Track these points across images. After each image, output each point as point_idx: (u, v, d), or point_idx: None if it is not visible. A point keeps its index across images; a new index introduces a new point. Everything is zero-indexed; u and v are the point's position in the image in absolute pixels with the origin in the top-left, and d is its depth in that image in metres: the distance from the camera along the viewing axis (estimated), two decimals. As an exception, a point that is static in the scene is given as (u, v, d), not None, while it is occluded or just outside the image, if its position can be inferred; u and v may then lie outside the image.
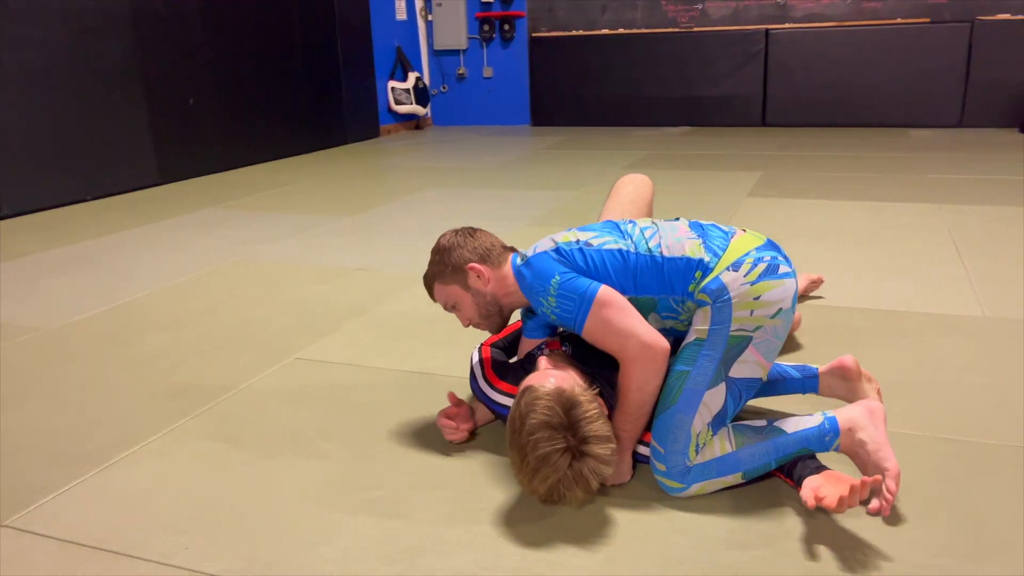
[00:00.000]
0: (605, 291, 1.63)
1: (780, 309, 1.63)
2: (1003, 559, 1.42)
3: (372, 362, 2.39)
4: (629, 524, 1.56)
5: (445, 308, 1.88)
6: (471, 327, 1.91)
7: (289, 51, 6.68)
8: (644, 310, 1.70)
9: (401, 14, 8.17)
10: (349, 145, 7.40)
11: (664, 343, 1.62)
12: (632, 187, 2.28)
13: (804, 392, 1.90)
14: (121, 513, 1.65)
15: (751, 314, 1.61)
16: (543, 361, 1.71)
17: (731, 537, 1.51)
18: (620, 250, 1.70)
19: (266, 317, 2.82)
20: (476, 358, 1.94)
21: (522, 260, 1.77)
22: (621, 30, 7.82)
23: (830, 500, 1.46)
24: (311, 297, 3.02)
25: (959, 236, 3.52)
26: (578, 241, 1.73)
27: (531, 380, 1.63)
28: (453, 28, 8.30)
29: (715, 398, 1.62)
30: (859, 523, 1.53)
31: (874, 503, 1.53)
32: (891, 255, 3.29)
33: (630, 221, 1.80)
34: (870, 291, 2.86)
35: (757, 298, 1.62)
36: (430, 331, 2.62)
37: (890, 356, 2.27)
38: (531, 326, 1.92)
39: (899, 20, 6.99)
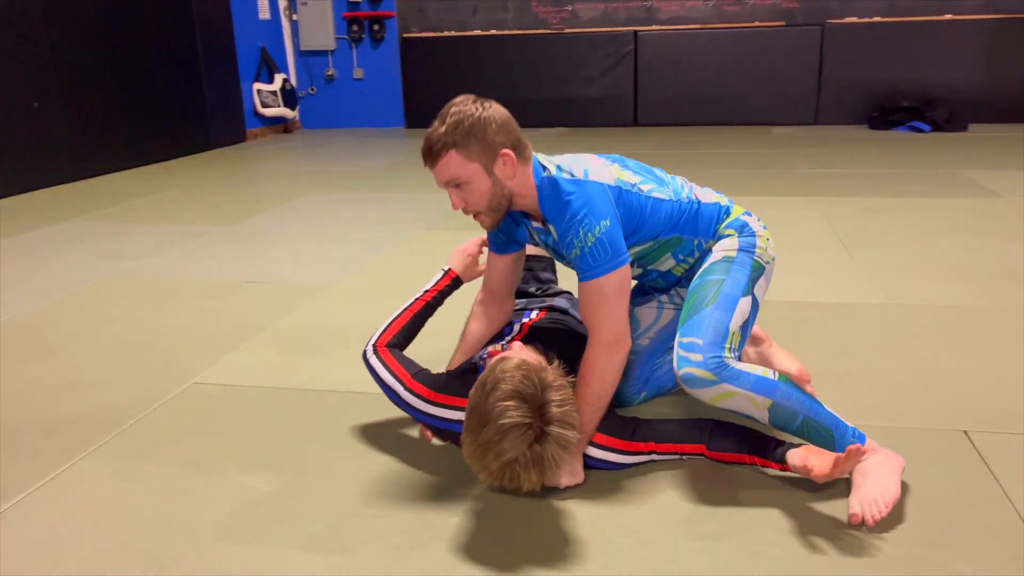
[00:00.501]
0: (627, 268, 1.63)
1: (773, 257, 1.82)
2: (967, 544, 1.45)
3: (280, 382, 2.22)
4: (594, 543, 1.49)
5: (444, 184, 1.63)
6: (461, 212, 1.67)
7: (144, 51, 6.24)
8: (668, 248, 1.78)
9: (264, 13, 7.82)
10: (215, 150, 7.00)
11: (630, 344, 1.65)
12: None
13: None
14: (14, 572, 1.43)
15: (766, 249, 1.79)
16: (517, 345, 1.63)
17: (696, 530, 1.47)
18: (665, 200, 1.75)
19: (154, 339, 2.57)
20: (387, 374, 1.79)
21: (549, 173, 1.66)
22: (493, 31, 7.80)
23: (820, 469, 1.47)
24: (201, 315, 2.79)
25: (839, 227, 3.69)
26: (633, 184, 1.71)
27: (508, 353, 1.55)
28: (320, 28, 8.02)
29: (746, 306, 1.69)
30: (821, 517, 1.53)
31: (855, 509, 1.49)
32: (781, 249, 3.40)
33: (658, 168, 1.85)
34: (771, 285, 2.93)
35: (768, 239, 1.82)
36: (338, 345, 2.47)
37: (806, 348, 2.32)
38: (501, 241, 1.84)
39: (757, 23, 7.33)
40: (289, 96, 7.91)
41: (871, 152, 5.77)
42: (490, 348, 1.79)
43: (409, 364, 1.81)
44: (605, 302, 1.60)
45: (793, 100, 7.33)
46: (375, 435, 1.90)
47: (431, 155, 1.62)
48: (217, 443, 1.88)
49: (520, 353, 1.56)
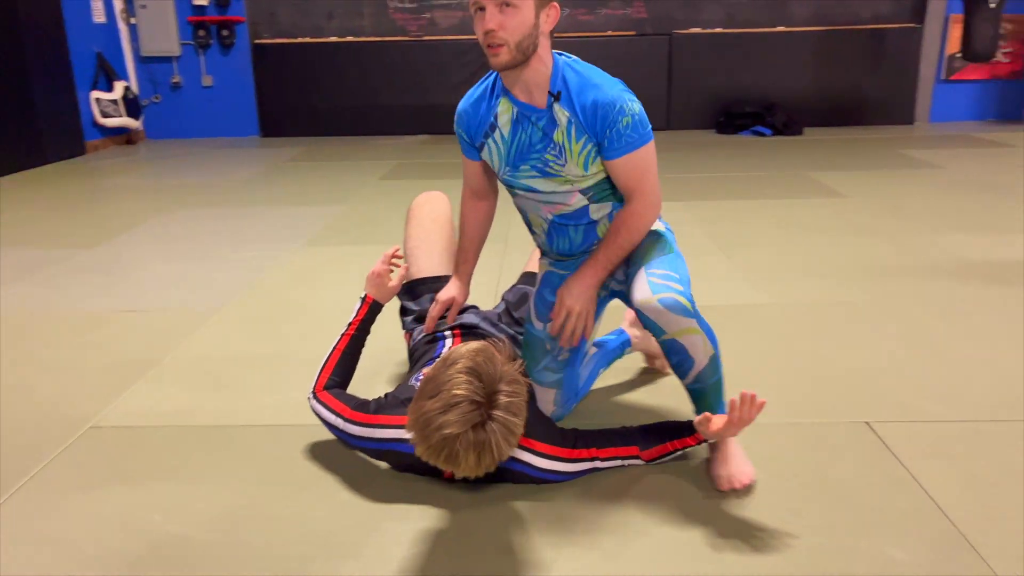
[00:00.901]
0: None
1: None
2: (891, 530, 1.58)
3: (192, 419, 2.09)
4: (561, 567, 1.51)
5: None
6: (489, 39, 1.61)
7: (-34, 58, 5.66)
8: (614, 196, 1.81)
9: (99, 16, 7.29)
10: (51, 165, 6.46)
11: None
12: (429, 206, 2.27)
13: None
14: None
15: None
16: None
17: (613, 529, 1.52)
18: None
19: (33, 381, 2.35)
20: (329, 413, 1.78)
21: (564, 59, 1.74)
22: (350, 38, 7.65)
23: (722, 425, 1.60)
24: (82, 350, 2.57)
25: (712, 230, 3.90)
26: None
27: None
28: (162, 32, 7.58)
29: None
30: (741, 505, 1.62)
31: (723, 477, 1.72)
32: (665, 252, 3.55)
33: None
34: (664, 288, 3.05)
35: None
36: (248, 375, 2.35)
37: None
38: (466, 145, 1.89)
39: (610, 32, 7.60)
40: (131, 105, 7.42)
41: (723, 156, 6.13)
42: (424, 370, 1.78)
43: (348, 399, 1.78)
44: (648, 168, 1.73)
45: (647, 106, 7.56)
46: (309, 469, 1.83)
47: None
48: (132, 495, 1.75)
49: (497, 344, 1.55)
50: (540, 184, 1.79)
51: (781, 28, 7.50)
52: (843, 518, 1.61)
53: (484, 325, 2.07)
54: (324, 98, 7.70)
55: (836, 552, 1.51)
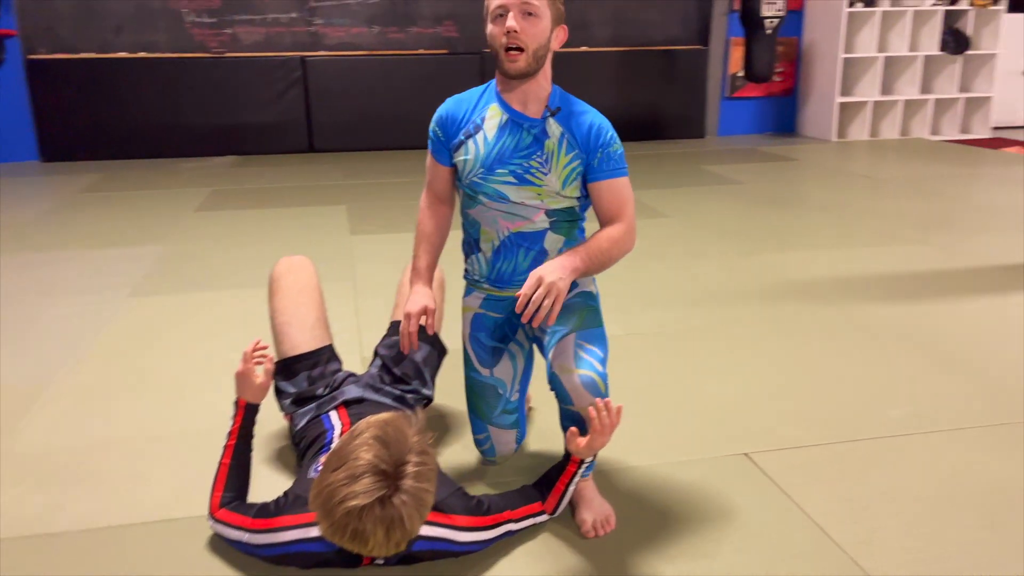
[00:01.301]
0: None
1: None
2: (789, 558, 1.70)
3: (55, 526, 1.85)
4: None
5: (523, 5, 1.67)
6: (510, 40, 1.67)
7: None
8: (572, 229, 1.87)
9: None
10: None
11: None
12: (293, 275, 2.15)
13: None
14: None
15: None
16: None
17: None
18: None
19: None
20: (230, 530, 1.67)
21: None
22: (143, 53, 7.10)
23: (588, 441, 1.67)
24: None
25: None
26: None
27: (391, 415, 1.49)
28: (-89, 46, 6.63)
29: None
30: (630, 550, 1.69)
31: (588, 522, 1.80)
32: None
33: None
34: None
35: None
36: (109, 464, 2.12)
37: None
38: (442, 151, 1.88)
39: (421, 51, 7.60)
40: None
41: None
42: (321, 458, 1.70)
43: (247, 508, 1.67)
44: (630, 198, 1.81)
45: (461, 124, 7.73)
46: (212, 569, 1.68)
47: None
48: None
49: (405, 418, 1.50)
50: (512, 192, 1.79)
51: (584, 48, 7.85)
52: (742, 551, 1.72)
53: (369, 395, 1.99)
54: (117, 118, 7.08)
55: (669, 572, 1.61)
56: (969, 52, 7.79)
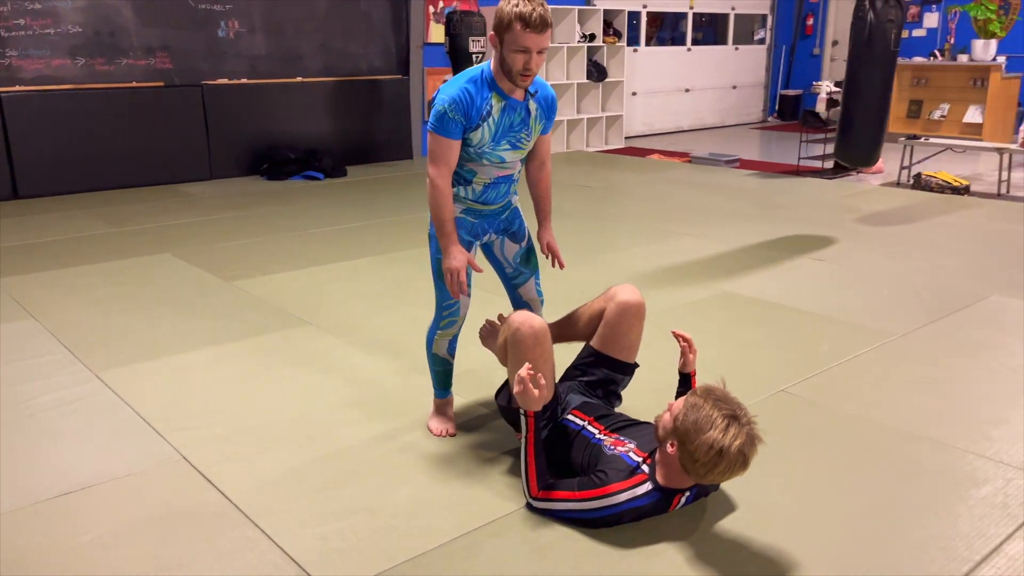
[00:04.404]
0: None
1: None
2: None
3: None
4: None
5: (539, 49, 2.30)
6: (527, 72, 2.34)
7: None
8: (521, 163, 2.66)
9: None
10: None
11: None
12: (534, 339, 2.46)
13: None
14: None
15: None
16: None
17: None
18: None
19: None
20: (560, 504, 2.22)
21: None
22: None
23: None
24: None
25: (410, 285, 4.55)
26: None
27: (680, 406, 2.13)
28: None
29: None
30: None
31: None
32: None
33: None
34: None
35: None
36: None
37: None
38: (459, 127, 2.42)
39: (135, 83, 7.21)
40: None
41: (319, 204, 6.60)
42: (608, 440, 2.30)
43: (564, 485, 2.25)
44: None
45: (188, 157, 7.53)
46: (539, 549, 2.13)
47: (546, 25, 2.30)
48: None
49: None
50: (508, 155, 2.51)
51: (300, 79, 8.14)
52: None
53: (588, 399, 2.54)
54: None
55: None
56: (606, 80, 9.74)
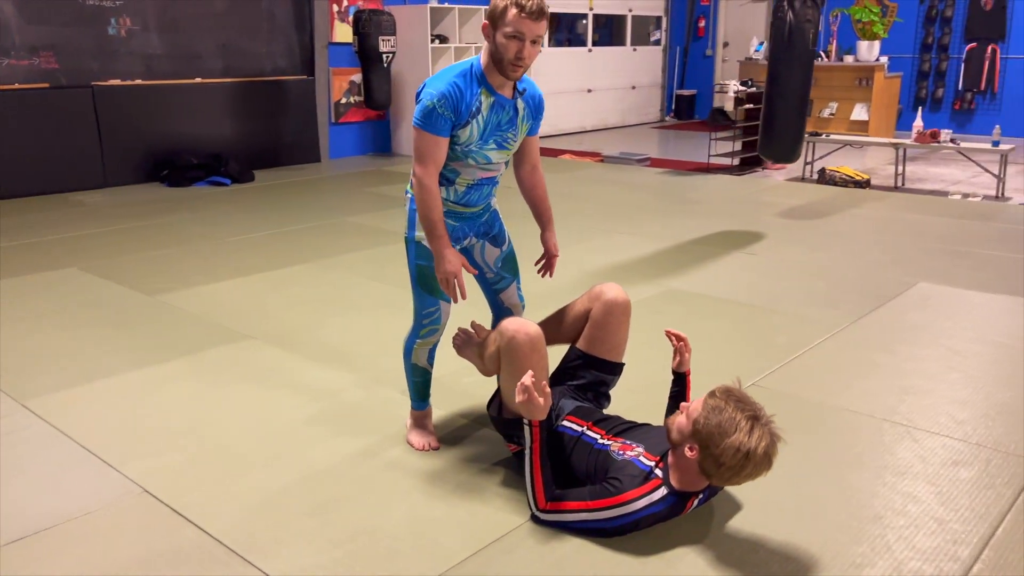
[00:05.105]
0: None
1: None
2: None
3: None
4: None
5: (535, 36, 2.20)
6: (519, 61, 2.23)
7: None
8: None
9: None
10: None
11: None
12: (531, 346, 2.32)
13: None
14: None
15: None
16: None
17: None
18: None
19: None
20: (571, 515, 2.13)
21: None
22: None
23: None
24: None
25: (349, 292, 4.39)
26: None
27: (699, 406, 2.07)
28: None
29: None
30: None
31: None
32: (331, 314, 3.95)
33: None
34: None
35: None
36: None
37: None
38: (448, 123, 2.31)
39: (17, 85, 6.65)
40: None
41: (230, 211, 6.27)
42: (614, 445, 2.23)
43: (575, 495, 2.17)
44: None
45: (79, 164, 7.01)
46: None
47: (542, 13, 2.22)
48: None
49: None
50: (494, 155, 2.41)
51: (199, 80, 7.73)
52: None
53: (580, 403, 2.45)
54: None
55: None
56: (514, 80, 9.73)
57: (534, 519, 2.21)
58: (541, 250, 2.65)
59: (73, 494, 2.39)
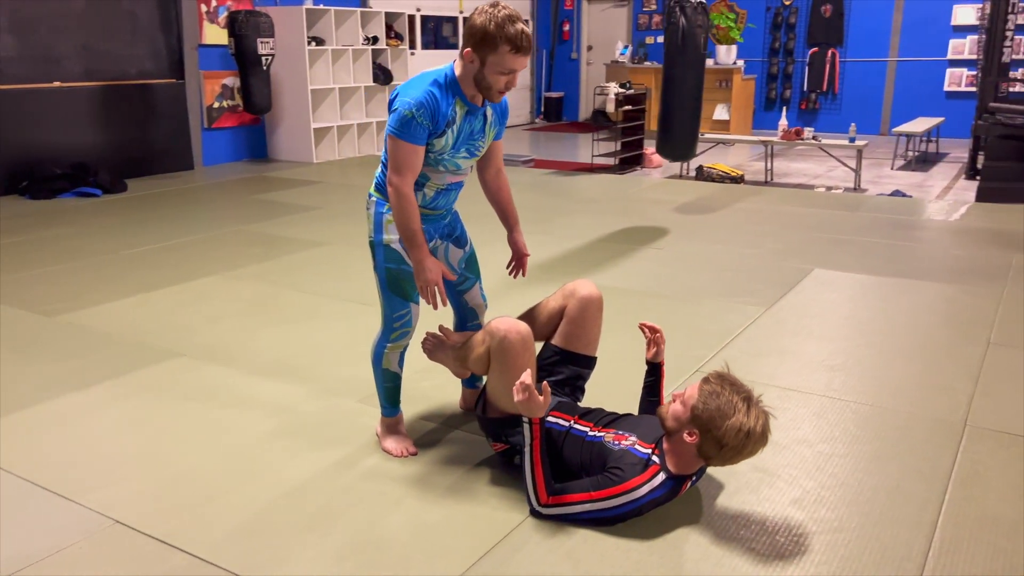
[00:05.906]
0: None
1: None
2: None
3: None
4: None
5: (519, 70, 2.26)
6: (505, 91, 2.31)
7: None
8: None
9: None
10: None
11: None
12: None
13: None
14: None
15: None
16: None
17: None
18: None
19: None
20: (574, 507, 2.19)
21: None
22: None
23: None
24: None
25: (271, 303, 4.27)
26: None
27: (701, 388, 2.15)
28: None
29: None
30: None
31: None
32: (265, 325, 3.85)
33: None
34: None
35: None
36: None
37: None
38: (426, 132, 2.31)
39: None
40: None
41: (109, 224, 5.87)
42: (609, 436, 2.29)
43: (575, 487, 2.22)
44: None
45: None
46: None
47: (529, 49, 2.26)
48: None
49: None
50: (464, 163, 2.45)
51: (57, 84, 7.18)
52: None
53: (560, 398, 2.48)
54: None
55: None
56: (392, 82, 9.64)
57: (534, 514, 2.24)
58: (502, 253, 2.67)
59: (36, 533, 2.19)
